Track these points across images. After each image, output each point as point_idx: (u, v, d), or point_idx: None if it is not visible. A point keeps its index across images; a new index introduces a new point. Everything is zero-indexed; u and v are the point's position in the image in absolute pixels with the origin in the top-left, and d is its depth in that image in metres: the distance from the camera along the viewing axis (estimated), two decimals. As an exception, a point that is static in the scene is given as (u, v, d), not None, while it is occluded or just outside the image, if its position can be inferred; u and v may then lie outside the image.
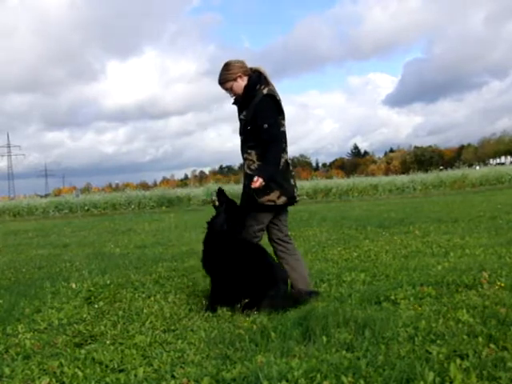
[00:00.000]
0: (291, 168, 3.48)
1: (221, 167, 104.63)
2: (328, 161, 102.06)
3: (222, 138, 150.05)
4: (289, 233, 3.62)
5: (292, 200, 3.41)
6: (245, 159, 3.41)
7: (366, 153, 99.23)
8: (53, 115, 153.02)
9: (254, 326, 2.83)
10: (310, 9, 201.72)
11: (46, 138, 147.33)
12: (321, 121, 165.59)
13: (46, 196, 40.19)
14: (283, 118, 3.39)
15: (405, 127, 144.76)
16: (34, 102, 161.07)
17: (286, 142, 3.42)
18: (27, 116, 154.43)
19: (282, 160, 3.32)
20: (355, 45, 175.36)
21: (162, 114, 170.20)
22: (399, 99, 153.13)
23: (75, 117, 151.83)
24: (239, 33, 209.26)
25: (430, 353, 2.24)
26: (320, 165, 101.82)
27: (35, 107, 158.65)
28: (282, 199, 3.31)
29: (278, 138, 3.31)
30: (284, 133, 3.39)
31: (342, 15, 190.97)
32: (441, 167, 26.76)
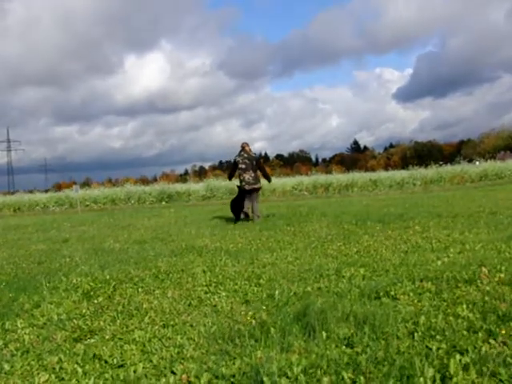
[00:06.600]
0: (240, 172, 9.75)
1: (220, 162, 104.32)
2: (332, 155, 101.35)
3: (228, 133, 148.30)
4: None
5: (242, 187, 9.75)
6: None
7: (365, 148, 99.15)
8: (65, 109, 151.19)
9: (254, 322, 2.83)
10: (329, 1, 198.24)
11: (55, 132, 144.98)
12: (330, 115, 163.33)
13: (47, 191, 40.14)
14: (239, 162, 9.74)
15: (413, 122, 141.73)
16: (49, 96, 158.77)
17: (240, 169, 9.71)
18: (41, 110, 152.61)
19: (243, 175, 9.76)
20: (371, 39, 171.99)
21: (173, 108, 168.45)
22: (410, 93, 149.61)
23: (86, 111, 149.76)
24: (256, 26, 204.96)
25: (430, 348, 2.24)
26: (320, 160, 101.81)
27: (50, 101, 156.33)
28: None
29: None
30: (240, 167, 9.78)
31: (359, 9, 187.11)
32: (440, 162, 26.63)
